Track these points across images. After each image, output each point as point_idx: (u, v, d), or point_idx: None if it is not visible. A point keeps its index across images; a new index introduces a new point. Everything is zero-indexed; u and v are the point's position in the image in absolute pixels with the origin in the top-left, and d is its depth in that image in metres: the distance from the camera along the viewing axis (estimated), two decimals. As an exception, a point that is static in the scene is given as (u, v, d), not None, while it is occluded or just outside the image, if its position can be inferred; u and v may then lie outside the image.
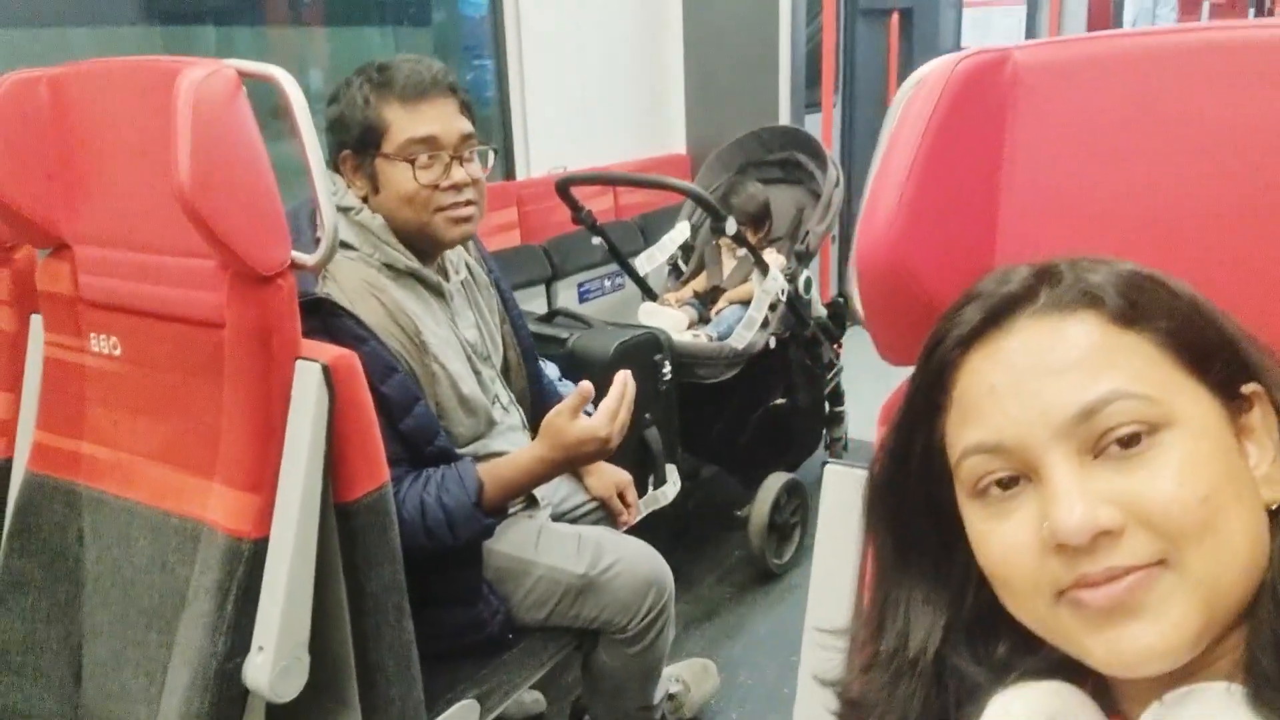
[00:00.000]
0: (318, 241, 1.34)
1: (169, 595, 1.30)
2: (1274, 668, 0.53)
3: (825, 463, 0.89)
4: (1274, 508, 0.57)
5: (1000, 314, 0.59)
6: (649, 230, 3.53)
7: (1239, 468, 0.57)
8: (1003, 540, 0.58)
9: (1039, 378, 0.57)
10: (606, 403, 1.52)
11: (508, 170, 3.44)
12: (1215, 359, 0.58)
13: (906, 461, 0.65)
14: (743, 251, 2.66)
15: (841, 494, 0.89)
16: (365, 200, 1.55)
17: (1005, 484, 0.58)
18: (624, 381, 1.54)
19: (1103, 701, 0.62)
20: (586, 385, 1.51)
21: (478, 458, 1.58)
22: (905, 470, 0.66)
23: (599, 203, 2.80)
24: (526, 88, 3.45)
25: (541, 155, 3.49)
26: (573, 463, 1.56)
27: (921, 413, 0.64)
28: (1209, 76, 0.67)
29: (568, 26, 3.61)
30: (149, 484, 1.35)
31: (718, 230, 2.55)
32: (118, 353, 1.39)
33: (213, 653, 1.20)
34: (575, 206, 2.73)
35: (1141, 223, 0.68)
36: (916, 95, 0.72)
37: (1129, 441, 0.55)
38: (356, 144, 1.52)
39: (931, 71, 0.73)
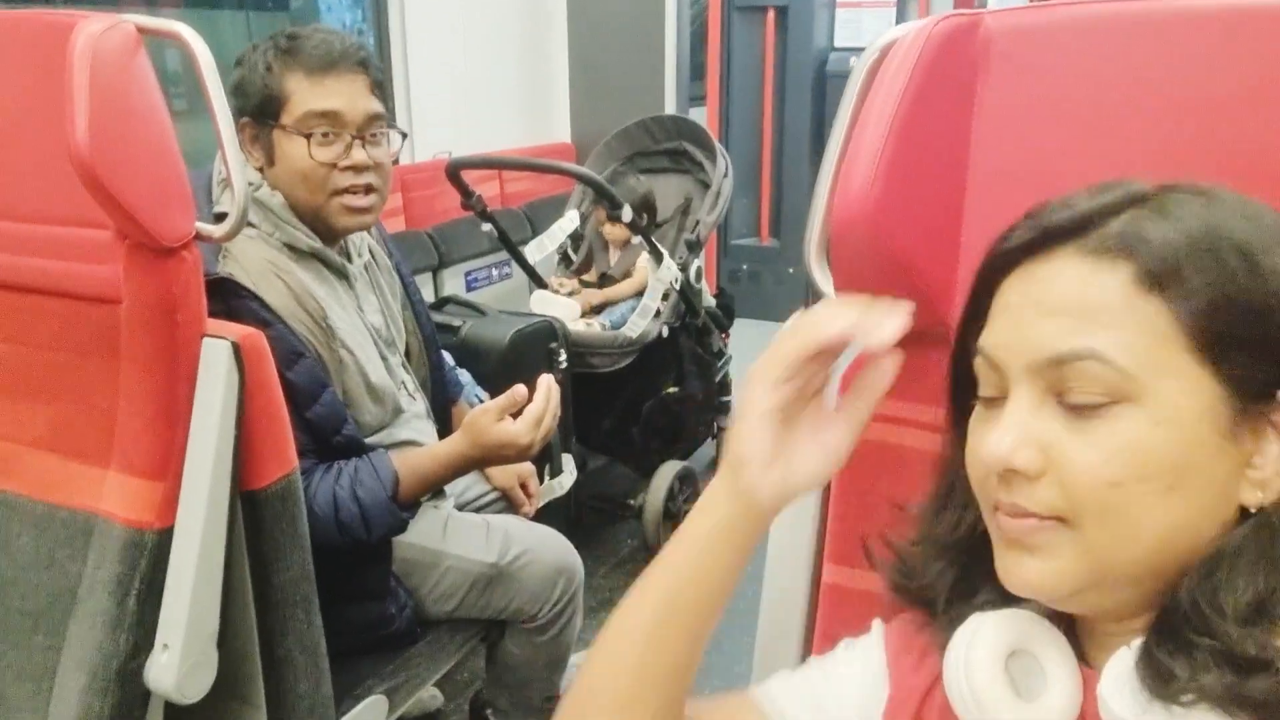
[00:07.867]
0: (218, 217, 1.26)
1: (57, 595, 1.19)
2: (1163, 654, 0.55)
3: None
4: (1253, 510, 0.56)
5: (1047, 241, 0.59)
6: (536, 219, 3.49)
7: (1199, 464, 0.55)
8: (974, 444, 0.62)
9: (1039, 311, 0.58)
10: (532, 409, 1.47)
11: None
12: (1241, 353, 0.55)
13: (963, 360, 0.66)
14: (637, 239, 2.65)
15: None
16: (260, 171, 1.47)
17: (990, 400, 0.62)
18: (548, 387, 1.50)
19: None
20: (521, 389, 1.46)
21: (384, 447, 1.52)
22: (964, 369, 0.66)
23: (485, 190, 2.75)
24: (411, 72, 3.37)
25: (426, 141, 3.41)
26: (490, 463, 1.51)
27: (969, 318, 0.65)
28: (1179, 45, 0.69)
29: (453, 11, 3.53)
30: (31, 475, 1.24)
31: (614, 217, 2.53)
32: (-6, 332, 1.27)
33: (113, 652, 1.11)
34: (466, 192, 2.67)
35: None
36: (890, 59, 0.72)
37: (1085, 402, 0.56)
38: (255, 111, 1.44)
39: (904, 36, 0.72)
